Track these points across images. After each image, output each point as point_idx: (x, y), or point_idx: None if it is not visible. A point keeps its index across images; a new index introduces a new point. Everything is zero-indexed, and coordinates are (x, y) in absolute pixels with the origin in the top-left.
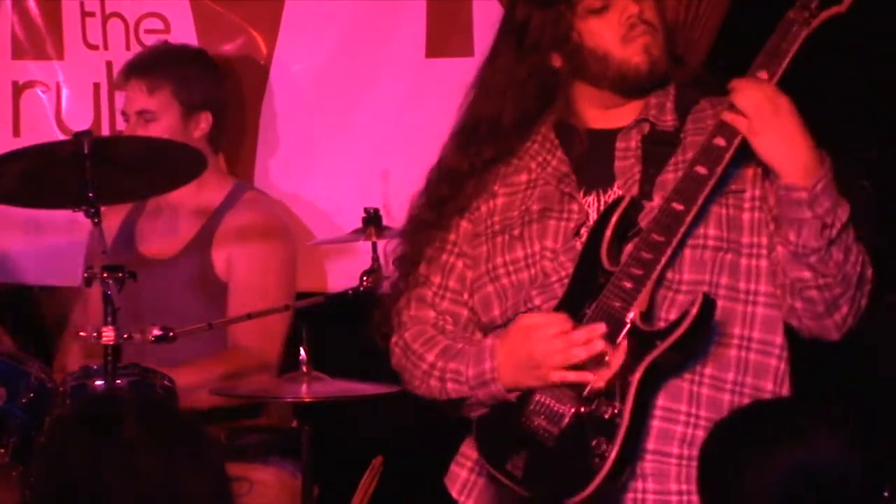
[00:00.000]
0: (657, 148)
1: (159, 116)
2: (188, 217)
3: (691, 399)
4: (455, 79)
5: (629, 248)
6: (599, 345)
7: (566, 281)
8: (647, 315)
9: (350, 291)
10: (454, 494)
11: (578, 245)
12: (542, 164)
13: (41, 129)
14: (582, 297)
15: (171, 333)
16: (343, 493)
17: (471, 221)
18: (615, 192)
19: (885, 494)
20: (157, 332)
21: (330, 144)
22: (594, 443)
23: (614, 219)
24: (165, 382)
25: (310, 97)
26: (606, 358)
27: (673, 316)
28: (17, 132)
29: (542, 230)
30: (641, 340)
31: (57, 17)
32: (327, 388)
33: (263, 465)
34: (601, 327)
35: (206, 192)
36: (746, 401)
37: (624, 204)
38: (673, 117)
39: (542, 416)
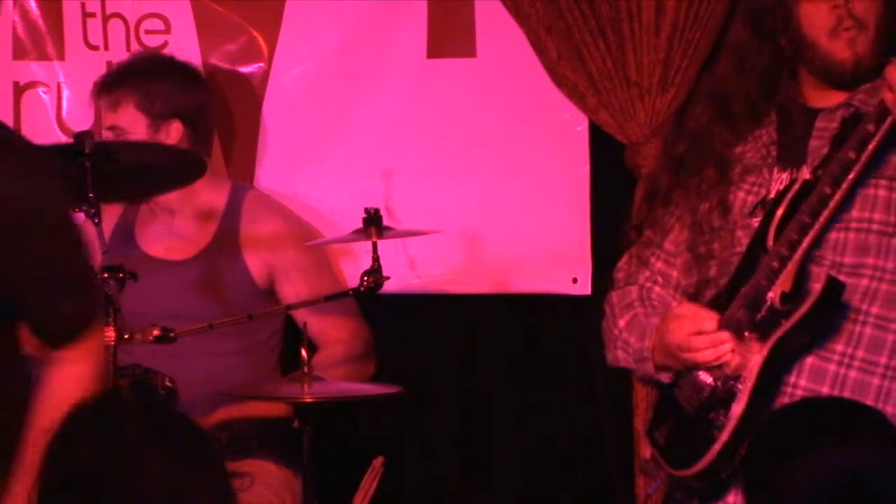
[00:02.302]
0: (852, 129)
1: (128, 130)
2: (191, 220)
3: (835, 382)
4: (456, 79)
5: None
6: (723, 351)
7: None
8: (791, 295)
9: (350, 292)
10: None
11: (755, 222)
12: (756, 137)
13: (42, 130)
14: (746, 274)
15: (172, 334)
16: (343, 494)
17: (687, 187)
18: (804, 171)
19: None
20: (156, 332)
21: (331, 145)
22: (713, 415)
23: (787, 199)
24: (167, 383)
25: (310, 97)
26: (746, 334)
27: None
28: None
29: (734, 201)
30: (773, 319)
31: (58, 18)
32: (328, 388)
33: (265, 461)
34: (726, 337)
35: (202, 194)
36: None
37: (797, 186)
38: (881, 100)
39: (689, 387)
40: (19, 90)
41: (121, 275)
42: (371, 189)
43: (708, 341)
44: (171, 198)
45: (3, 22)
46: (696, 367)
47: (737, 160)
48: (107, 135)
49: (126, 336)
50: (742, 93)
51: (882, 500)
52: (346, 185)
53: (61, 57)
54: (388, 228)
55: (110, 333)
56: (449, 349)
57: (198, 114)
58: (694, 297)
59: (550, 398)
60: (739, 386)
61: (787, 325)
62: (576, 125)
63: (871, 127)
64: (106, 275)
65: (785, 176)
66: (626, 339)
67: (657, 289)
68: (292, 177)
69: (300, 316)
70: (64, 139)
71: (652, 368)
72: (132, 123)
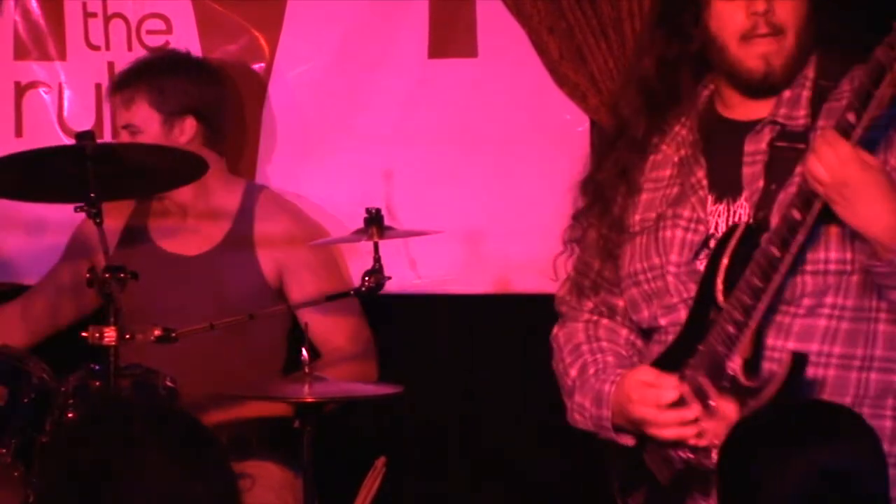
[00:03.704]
0: (784, 154)
1: (142, 128)
2: (205, 218)
3: None
4: (458, 79)
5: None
6: (690, 430)
7: (689, 303)
8: (753, 363)
9: (352, 292)
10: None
11: (700, 266)
12: (683, 160)
13: (43, 130)
14: (696, 333)
15: (174, 334)
16: (344, 494)
17: (622, 209)
18: (742, 204)
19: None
20: (158, 332)
21: (332, 145)
22: (691, 498)
23: (730, 247)
24: (168, 383)
25: (312, 97)
26: (712, 403)
27: (786, 343)
28: (19, 132)
29: (671, 239)
30: (738, 395)
31: (59, 18)
32: (329, 388)
33: (266, 461)
34: (693, 413)
35: (216, 194)
36: None
37: (738, 233)
38: (806, 112)
39: (658, 457)
40: (20, 90)
41: (122, 275)
42: (372, 189)
43: (675, 418)
44: (185, 197)
45: (4, 22)
46: (662, 442)
47: (661, 183)
48: (122, 133)
49: (127, 336)
50: (641, 79)
51: (864, 499)
52: (347, 184)
53: (62, 57)
54: (390, 228)
55: (111, 333)
56: (449, 349)
57: (212, 110)
58: (647, 334)
59: (551, 398)
60: (712, 464)
61: (753, 405)
62: (577, 125)
63: (812, 193)
64: (107, 275)
65: (722, 207)
66: (581, 403)
67: (604, 321)
68: (294, 176)
69: (302, 316)
70: (65, 139)
71: (613, 434)
72: (146, 121)
